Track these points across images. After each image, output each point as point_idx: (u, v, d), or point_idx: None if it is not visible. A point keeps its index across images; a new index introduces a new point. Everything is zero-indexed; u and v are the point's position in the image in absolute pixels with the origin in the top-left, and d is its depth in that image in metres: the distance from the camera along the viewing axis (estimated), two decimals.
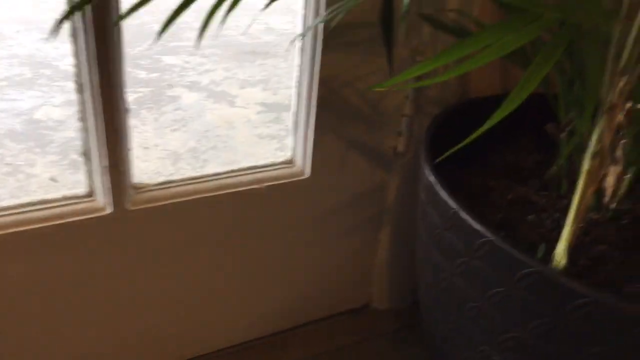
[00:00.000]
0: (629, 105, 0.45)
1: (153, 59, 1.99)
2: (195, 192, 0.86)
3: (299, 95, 0.90)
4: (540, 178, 0.89)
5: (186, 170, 1.40)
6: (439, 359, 0.83)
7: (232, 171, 0.90)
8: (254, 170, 0.92)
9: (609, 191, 0.74)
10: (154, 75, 1.87)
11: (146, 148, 1.41)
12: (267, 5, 0.59)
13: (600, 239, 0.71)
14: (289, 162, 0.95)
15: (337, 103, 0.90)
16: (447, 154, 0.58)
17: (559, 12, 0.53)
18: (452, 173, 0.89)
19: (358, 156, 0.98)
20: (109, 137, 0.77)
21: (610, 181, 0.74)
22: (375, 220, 1.06)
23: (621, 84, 0.44)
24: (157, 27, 0.58)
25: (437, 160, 0.60)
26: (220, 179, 0.89)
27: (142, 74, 1.87)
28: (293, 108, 0.91)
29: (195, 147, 1.43)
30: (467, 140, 0.58)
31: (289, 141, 0.94)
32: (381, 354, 1.04)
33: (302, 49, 0.87)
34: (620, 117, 0.47)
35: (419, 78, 0.90)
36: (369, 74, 0.91)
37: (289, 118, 0.91)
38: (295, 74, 0.89)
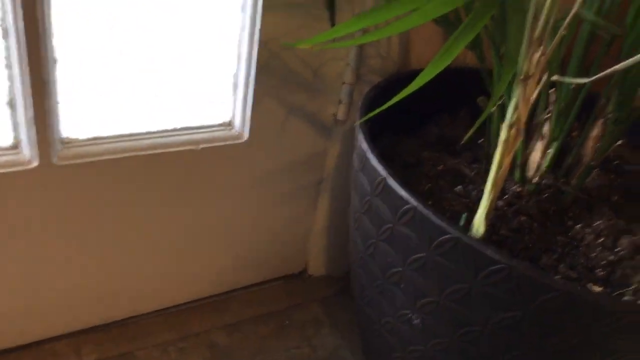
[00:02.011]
0: (544, 76, 0.46)
1: None
2: (127, 149, 0.84)
3: (238, 56, 0.88)
4: (474, 152, 0.91)
5: (99, 127, 1.34)
6: (365, 322, 0.85)
7: (166, 130, 0.88)
8: (190, 131, 0.90)
9: (533, 165, 0.77)
10: None
11: None
12: None
13: (521, 210, 0.73)
14: (227, 125, 0.93)
15: (278, 66, 0.89)
16: (373, 113, 0.59)
17: None
18: (388, 142, 0.90)
19: (298, 122, 0.97)
20: (35, 87, 0.74)
21: (535, 156, 0.77)
22: (313, 188, 1.07)
23: (537, 54, 0.45)
24: None
25: (362, 119, 0.60)
26: (154, 137, 0.87)
27: None
28: (233, 69, 0.90)
29: (107, 102, 1.36)
30: (392, 102, 0.59)
31: (228, 103, 0.92)
32: (315, 319, 1.05)
33: (243, 8, 0.85)
34: (534, 88, 0.48)
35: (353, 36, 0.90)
36: (311, 38, 0.90)
37: (225, 79, 0.90)
38: (235, 33, 0.87)
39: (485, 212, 0.61)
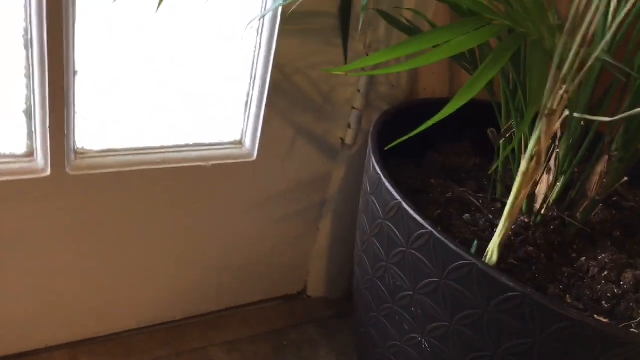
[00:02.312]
0: (566, 112, 0.48)
1: None
2: (139, 163, 0.85)
3: (252, 76, 0.90)
4: (478, 180, 0.93)
5: (113, 139, 1.34)
6: (368, 345, 0.85)
7: (179, 146, 0.89)
8: (201, 148, 0.91)
9: (540, 197, 0.79)
10: None
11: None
12: None
13: (528, 241, 0.75)
14: (238, 143, 0.95)
15: (290, 89, 0.91)
16: (395, 143, 0.60)
17: (510, 21, 0.56)
18: (396, 168, 0.92)
19: (306, 144, 0.99)
20: (53, 98, 0.74)
21: (542, 188, 0.79)
22: (316, 209, 1.08)
23: (561, 91, 0.47)
24: None
25: (386, 148, 0.61)
26: (166, 152, 0.87)
27: None
28: (245, 89, 0.91)
29: (123, 115, 1.36)
30: (415, 132, 0.60)
31: (239, 122, 0.94)
32: (312, 340, 1.05)
33: (259, 31, 0.87)
34: (557, 123, 0.50)
35: (373, 68, 0.92)
36: (323, 64, 0.92)
37: (238, 98, 0.91)
38: (250, 55, 0.88)
39: (499, 240, 0.63)
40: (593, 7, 0.50)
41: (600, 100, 0.70)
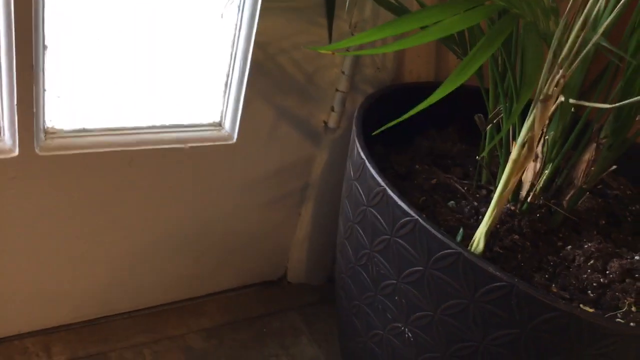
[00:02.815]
0: (560, 97, 0.46)
1: None
2: (114, 144, 0.81)
3: (233, 55, 0.87)
4: (463, 167, 0.91)
5: (83, 119, 1.30)
6: (350, 334, 0.83)
7: (155, 127, 0.85)
8: (178, 129, 0.88)
9: (526, 185, 0.77)
10: None
11: None
12: None
13: (514, 229, 0.74)
14: (217, 125, 0.91)
15: (272, 69, 0.88)
16: (382, 128, 0.58)
17: (504, 1, 0.53)
18: (380, 153, 0.90)
19: (288, 126, 0.96)
20: (21, 73, 0.70)
21: (528, 175, 0.78)
22: (298, 194, 1.05)
23: (557, 76, 0.45)
24: None
25: (373, 134, 0.59)
26: (141, 133, 0.84)
27: None
28: (225, 69, 0.88)
29: (94, 94, 1.32)
30: (403, 118, 0.58)
31: (218, 103, 0.90)
32: (292, 327, 1.04)
33: (240, 8, 0.83)
34: (550, 109, 0.48)
35: (359, 48, 0.89)
36: (307, 44, 0.89)
37: (217, 79, 0.88)
38: (230, 33, 0.85)
39: (486, 228, 0.61)
40: None
41: (592, 85, 0.68)
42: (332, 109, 0.97)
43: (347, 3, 0.85)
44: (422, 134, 0.97)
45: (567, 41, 0.45)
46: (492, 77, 0.76)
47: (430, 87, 1.09)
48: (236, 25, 0.84)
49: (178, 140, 0.87)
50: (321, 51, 0.52)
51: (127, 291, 0.96)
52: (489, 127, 0.79)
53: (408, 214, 0.64)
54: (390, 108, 0.95)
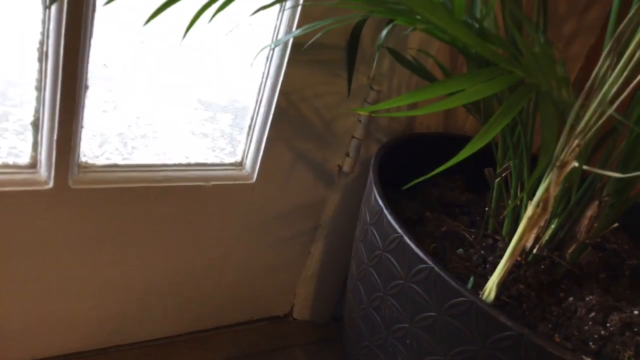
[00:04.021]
0: (574, 163, 0.51)
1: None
2: (141, 180, 0.85)
3: (259, 101, 0.92)
4: (470, 215, 0.96)
5: (112, 154, 1.36)
6: None
7: (181, 165, 0.90)
8: (202, 168, 0.92)
9: (533, 237, 0.81)
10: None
11: None
12: (255, 12, 0.61)
13: (519, 279, 0.78)
14: (239, 165, 0.96)
15: (294, 116, 0.93)
16: (415, 181, 0.62)
17: (523, 71, 0.59)
18: (392, 199, 0.94)
19: (304, 169, 1.00)
20: (63, 111, 0.75)
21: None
22: (309, 234, 1.09)
23: (574, 144, 0.50)
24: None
25: (404, 187, 0.63)
26: (168, 170, 0.88)
27: None
28: (250, 113, 0.93)
29: (124, 132, 1.39)
30: (427, 176, 0.63)
31: (241, 144, 0.95)
32: None
33: (269, 59, 0.89)
34: (565, 173, 0.53)
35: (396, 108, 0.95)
36: (327, 94, 0.94)
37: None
38: (258, 80, 0.90)
39: (498, 279, 0.65)
40: (615, 72, 0.53)
41: (596, 146, 0.73)
42: (347, 155, 1.02)
43: (375, 62, 0.90)
44: (431, 182, 1.02)
45: (584, 114, 0.50)
46: (502, 132, 0.82)
47: (439, 137, 1.14)
48: (263, 74, 0.90)
49: (202, 178, 0.91)
50: (360, 112, 0.57)
51: (140, 321, 0.99)
52: (497, 180, 0.84)
53: (424, 261, 0.68)
54: (403, 156, 1.01)
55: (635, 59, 0.46)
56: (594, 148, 0.74)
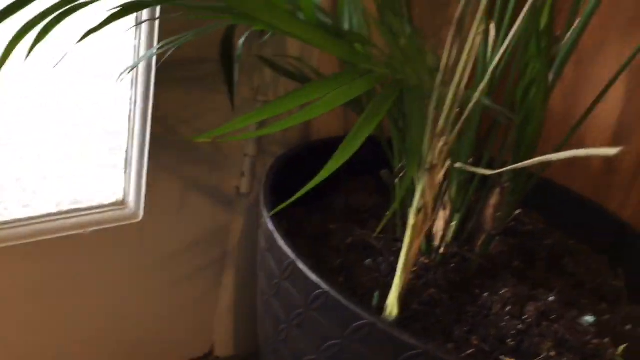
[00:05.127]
0: (448, 164, 0.47)
1: None
2: (4, 239, 0.75)
3: (131, 131, 0.83)
4: (380, 219, 0.91)
5: (10, 203, 1.23)
6: None
7: (51, 214, 0.80)
8: (77, 213, 0.83)
9: (438, 235, 0.77)
10: None
11: None
12: (82, 38, 0.53)
13: (430, 282, 0.73)
14: (120, 204, 0.87)
15: (175, 141, 0.85)
16: (285, 204, 0.56)
17: (388, 67, 0.54)
18: (293, 214, 0.88)
19: (199, 196, 0.92)
20: None
21: (439, 225, 0.78)
22: (218, 264, 1.01)
23: (440, 144, 0.45)
24: None
25: (275, 210, 0.57)
26: (35, 223, 0.78)
27: None
28: (125, 146, 0.84)
29: (21, 176, 1.26)
30: (303, 191, 0.56)
31: (120, 181, 0.86)
32: None
33: (134, 82, 0.81)
34: (440, 176, 0.48)
35: (261, 124, 0.88)
36: (209, 111, 0.87)
37: (117, 156, 0.84)
38: (126, 108, 0.82)
39: (397, 294, 0.60)
40: (467, 48, 0.49)
41: (485, 137, 0.70)
42: (243, 174, 0.95)
43: (246, 70, 0.84)
44: (335, 188, 0.97)
45: (445, 106, 0.45)
46: (394, 134, 0.77)
47: (340, 142, 1.09)
48: (131, 99, 0.81)
49: (77, 226, 0.82)
50: (197, 140, 0.50)
51: None
52: (396, 180, 0.79)
53: (319, 286, 0.62)
54: (303, 167, 0.94)
55: (473, 46, 0.41)
56: (484, 139, 0.70)
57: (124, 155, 0.85)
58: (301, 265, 0.64)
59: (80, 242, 0.81)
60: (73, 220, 0.81)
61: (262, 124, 0.89)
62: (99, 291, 0.87)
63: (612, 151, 0.35)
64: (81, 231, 0.81)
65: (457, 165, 0.51)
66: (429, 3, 1.01)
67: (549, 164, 0.52)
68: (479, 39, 0.40)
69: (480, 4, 0.43)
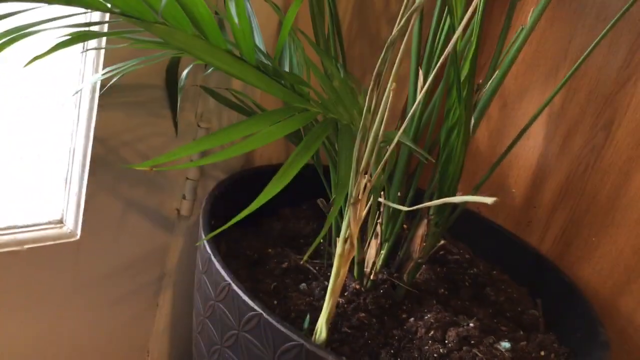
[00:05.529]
0: (370, 201, 0.51)
1: None
2: None
3: (72, 150, 0.84)
4: (317, 246, 0.94)
5: None
6: None
7: None
8: (13, 230, 0.82)
9: (370, 262, 0.81)
10: None
11: None
12: (30, 62, 0.54)
13: (361, 307, 0.77)
14: (58, 222, 0.87)
15: (116, 162, 0.86)
16: (221, 229, 0.58)
17: (320, 107, 0.58)
18: (232, 238, 0.90)
19: (138, 217, 0.93)
20: None
21: (371, 253, 0.82)
22: (155, 284, 1.02)
23: (364, 181, 0.49)
24: None
25: (211, 234, 0.60)
26: None
27: None
28: (65, 164, 0.85)
29: None
30: (240, 216, 0.59)
31: (58, 200, 0.86)
32: None
33: (78, 105, 0.82)
34: (364, 209, 0.52)
35: (203, 152, 0.91)
36: (152, 135, 0.89)
37: (56, 175, 0.84)
38: (69, 128, 0.83)
39: (325, 318, 0.63)
40: (384, 97, 0.53)
41: (412, 173, 0.75)
42: (184, 197, 0.97)
43: (190, 96, 0.86)
44: (275, 215, 1.00)
45: (367, 144, 0.49)
46: (331, 166, 0.81)
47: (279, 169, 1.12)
48: (74, 120, 0.82)
49: (14, 242, 0.81)
50: (138, 168, 0.51)
51: None
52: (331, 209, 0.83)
53: (252, 309, 0.65)
54: (244, 192, 0.97)
55: (389, 94, 0.46)
56: (412, 174, 0.75)
57: (63, 174, 0.85)
58: (236, 288, 0.67)
59: (16, 259, 0.81)
60: (9, 237, 0.80)
61: (204, 152, 0.92)
62: (34, 309, 0.86)
63: (489, 200, 0.40)
64: (18, 248, 0.80)
65: (380, 200, 0.55)
66: (368, 44, 1.07)
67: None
68: (391, 94, 0.45)
69: (398, 61, 0.47)
